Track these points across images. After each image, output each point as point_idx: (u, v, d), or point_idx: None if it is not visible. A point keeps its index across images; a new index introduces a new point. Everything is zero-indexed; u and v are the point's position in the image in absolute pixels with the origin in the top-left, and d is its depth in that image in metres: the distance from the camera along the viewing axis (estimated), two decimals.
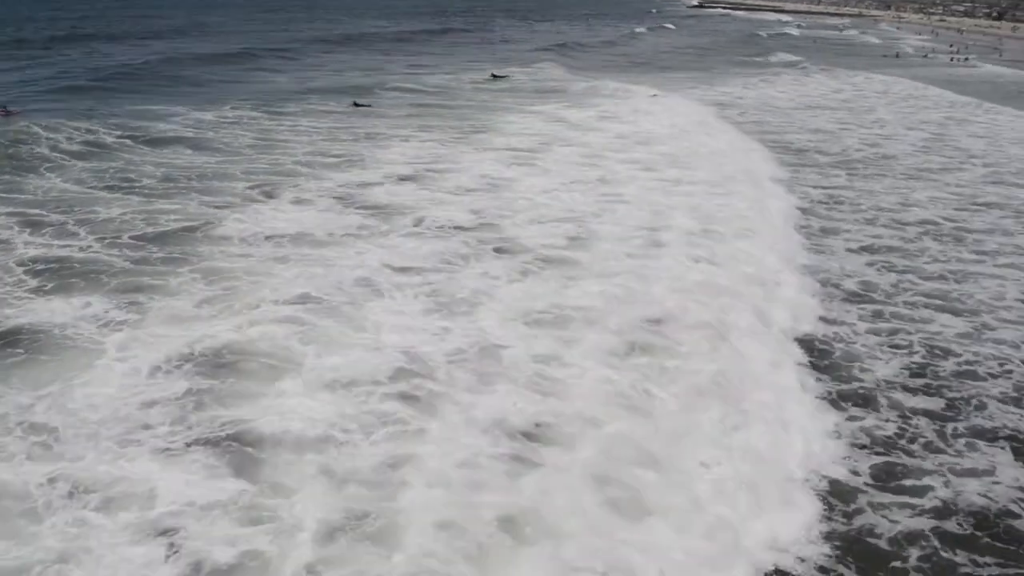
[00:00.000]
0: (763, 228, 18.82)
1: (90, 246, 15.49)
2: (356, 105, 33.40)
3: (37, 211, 17.45)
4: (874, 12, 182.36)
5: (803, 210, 21.08)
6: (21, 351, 11.14)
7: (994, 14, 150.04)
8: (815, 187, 23.67)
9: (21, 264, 14.35)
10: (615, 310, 13.19)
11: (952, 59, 73.37)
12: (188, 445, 9.06)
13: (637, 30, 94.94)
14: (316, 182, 20.78)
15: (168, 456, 8.88)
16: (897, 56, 74.57)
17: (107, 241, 15.77)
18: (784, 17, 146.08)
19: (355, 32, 76.98)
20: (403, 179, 21.52)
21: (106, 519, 7.86)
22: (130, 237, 16.07)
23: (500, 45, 72.48)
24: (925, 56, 75.62)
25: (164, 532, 7.74)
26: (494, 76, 44.49)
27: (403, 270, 14.61)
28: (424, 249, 15.87)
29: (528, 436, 9.53)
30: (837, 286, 15.86)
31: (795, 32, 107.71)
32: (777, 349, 12.87)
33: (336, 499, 8.24)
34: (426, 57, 58.91)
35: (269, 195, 19.42)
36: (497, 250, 16.12)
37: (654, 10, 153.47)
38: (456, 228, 17.33)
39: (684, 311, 13.35)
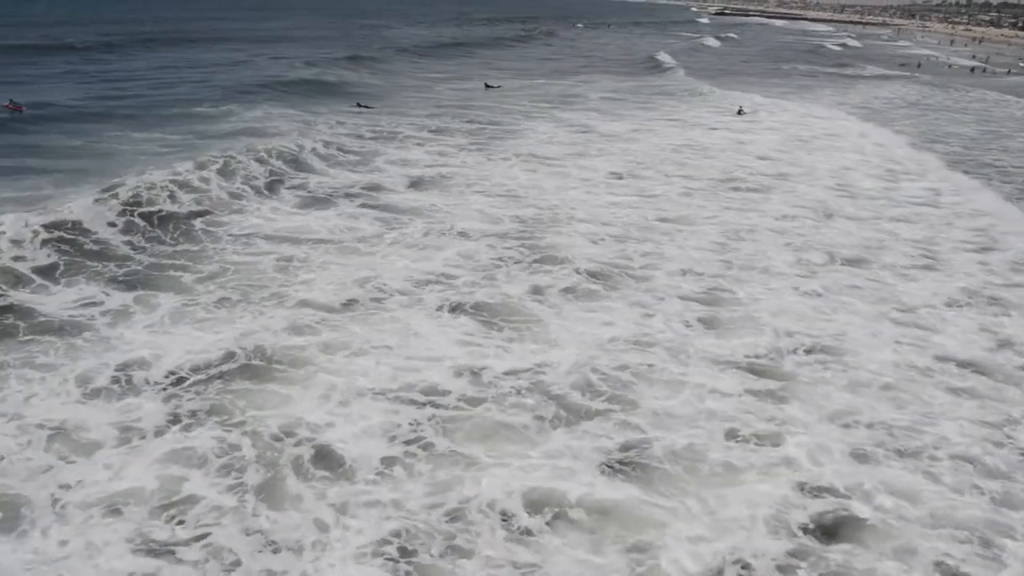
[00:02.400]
0: None
1: None
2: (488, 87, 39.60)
3: None
4: (898, 21, 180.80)
5: None
6: None
7: (1021, 24, 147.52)
8: None
9: None
10: None
11: (1009, 71, 71.88)
12: None
13: (705, 42, 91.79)
14: None
15: None
16: (972, 71, 72.00)
17: None
18: (818, 27, 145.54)
19: (460, 37, 76.32)
20: None
21: None
22: None
23: (572, 51, 71.06)
24: (984, 71, 72.94)
25: None
26: (487, 86, 42.10)
27: None
28: None
29: None
30: None
31: (855, 43, 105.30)
32: None
33: None
34: (532, 62, 58.43)
35: None
36: None
37: (679, 19, 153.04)
38: None
39: None
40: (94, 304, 12.39)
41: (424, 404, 10.11)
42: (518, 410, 10.09)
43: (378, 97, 35.20)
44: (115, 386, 10.13)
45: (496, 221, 17.93)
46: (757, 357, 11.90)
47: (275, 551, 7.60)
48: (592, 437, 9.62)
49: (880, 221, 19.74)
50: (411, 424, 9.69)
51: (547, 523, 8.15)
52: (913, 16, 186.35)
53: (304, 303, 12.89)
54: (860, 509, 8.58)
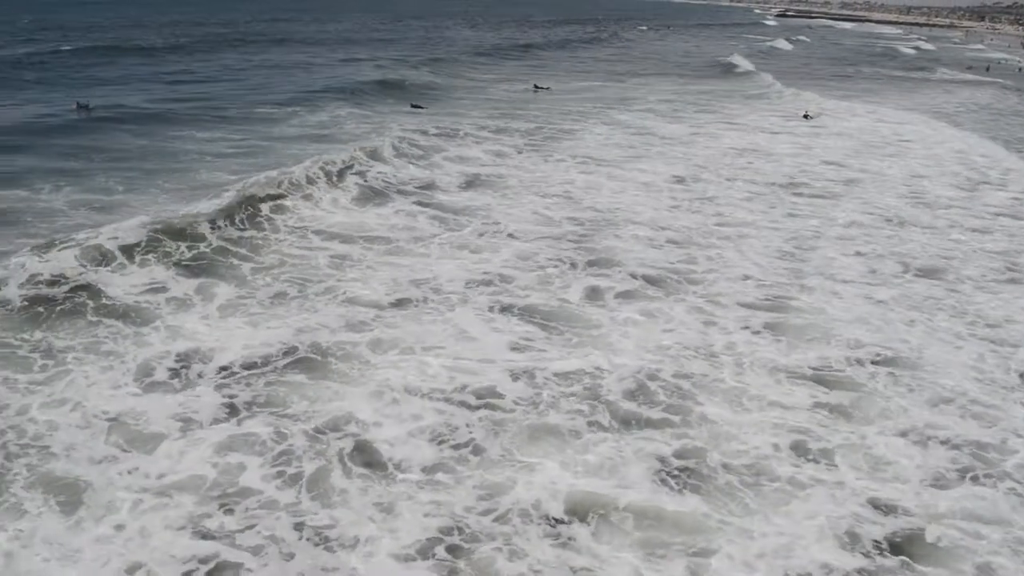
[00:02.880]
0: None
1: None
2: None
3: None
4: (966, 23, 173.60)
5: None
6: None
7: None
8: None
9: None
10: None
11: None
12: None
13: (776, 45, 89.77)
14: None
15: None
16: None
17: None
18: (885, 29, 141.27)
19: (539, 39, 76.92)
20: None
21: None
22: None
23: (639, 54, 70.53)
24: None
25: None
26: (537, 87, 41.23)
27: None
28: None
29: None
30: None
31: (928, 46, 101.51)
32: None
33: None
34: (601, 64, 58.31)
35: None
36: None
37: (744, 21, 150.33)
38: None
39: None
40: (161, 290, 12.67)
41: (476, 406, 9.94)
42: (571, 414, 9.83)
43: (438, 99, 35.38)
44: (174, 378, 10.29)
45: (552, 223, 17.68)
46: (825, 368, 11.31)
47: (325, 546, 7.54)
48: (647, 444, 9.28)
49: (957, 230, 18.73)
50: (461, 425, 9.54)
51: (596, 529, 7.88)
52: (983, 18, 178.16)
53: (357, 300, 12.90)
54: (935, 531, 8.02)
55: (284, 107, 30.24)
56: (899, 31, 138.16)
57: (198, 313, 12.07)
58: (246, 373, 10.46)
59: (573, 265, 15.04)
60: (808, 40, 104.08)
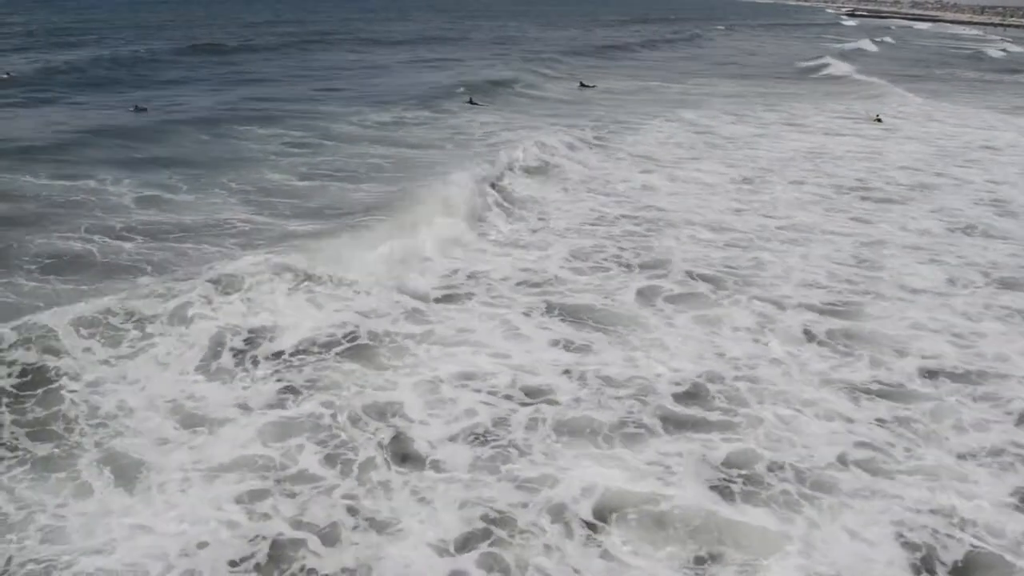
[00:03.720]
0: None
1: None
2: None
3: None
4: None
5: None
6: None
7: None
8: None
9: None
10: None
11: None
12: None
13: (858, 45, 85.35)
14: None
15: None
16: None
17: None
18: (961, 29, 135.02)
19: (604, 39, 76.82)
20: None
21: None
22: None
23: (723, 54, 69.31)
24: None
25: None
26: (583, 85, 40.80)
27: None
28: None
29: None
30: None
31: (1016, 48, 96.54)
32: None
33: None
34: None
35: None
36: None
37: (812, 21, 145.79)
38: None
39: None
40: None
41: (524, 403, 9.81)
42: (619, 414, 9.58)
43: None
44: (236, 357, 10.54)
45: (609, 221, 17.36)
46: (892, 383, 10.69)
47: (375, 530, 7.58)
48: (697, 447, 8.96)
49: None
50: (507, 420, 9.42)
51: (642, 531, 7.64)
52: None
53: (411, 292, 12.94)
54: (1013, 557, 7.46)
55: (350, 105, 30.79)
56: (978, 32, 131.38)
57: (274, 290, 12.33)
58: (305, 355, 10.64)
59: (626, 265, 14.72)
60: (892, 41, 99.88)
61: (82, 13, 77.14)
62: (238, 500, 7.89)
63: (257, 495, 7.97)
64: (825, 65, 57.74)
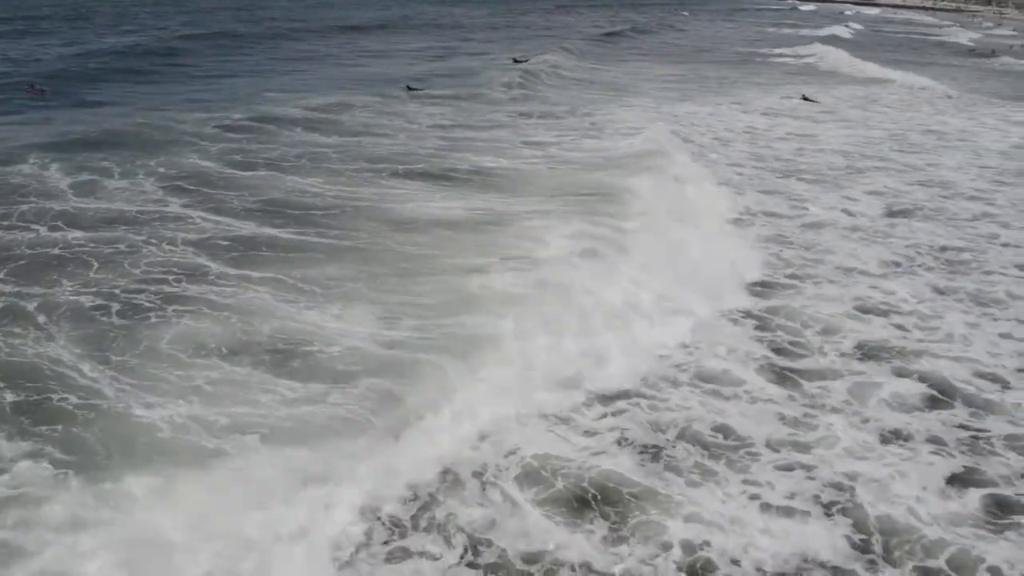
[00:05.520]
0: None
1: None
2: None
3: None
4: (973, 7, 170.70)
5: None
6: None
7: None
8: None
9: None
10: None
11: None
12: None
13: (835, 32, 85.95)
14: None
15: None
16: None
17: None
18: (908, 15, 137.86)
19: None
20: None
21: None
22: None
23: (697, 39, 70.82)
24: None
25: None
26: (515, 60, 41.98)
27: None
28: None
29: None
30: None
31: (973, 34, 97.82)
32: None
33: None
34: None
35: None
36: None
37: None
38: None
39: None
40: None
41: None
42: None
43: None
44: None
45: None
46: (818, 363, 11.43)
47: None
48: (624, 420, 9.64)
49: None
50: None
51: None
52: (989, 2, 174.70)
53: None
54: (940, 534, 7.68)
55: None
56: (932, 19, 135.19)
57: None
58: None
59: None
60: (861, 27, 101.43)
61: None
62: None
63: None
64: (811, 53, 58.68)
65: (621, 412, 9.77)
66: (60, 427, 8.24)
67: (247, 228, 14.69)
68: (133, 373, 9.35)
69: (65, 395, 8.78)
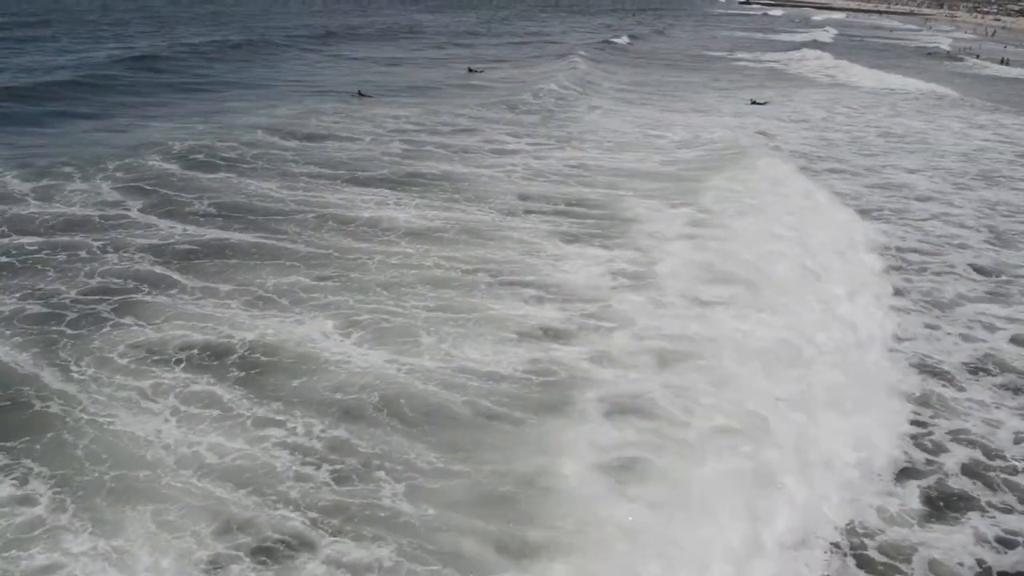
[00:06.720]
0: None
1: None
2: None
3: None
4: (926, 11, 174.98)
5: None
6: None
7: None
8: None
9: None
10: None
11: None
12: None
13: (818, 38, 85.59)
14: None
15: None
16: None
17: None
18: (874, 19, 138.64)
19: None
20: None
21: None
22: None
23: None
24: None
25: None
26: (470, 70, 42.20)
27: None
28: None
29: None
30: None
31: (946, 40, 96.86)
32: None
33: None
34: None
35: None
36: None
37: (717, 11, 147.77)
38: None
39: None
40: None
41: None
42: None
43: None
44: None
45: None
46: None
47: None
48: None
49: None
50: None
51: None
52: (941, 5, 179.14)
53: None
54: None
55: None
56: (897, 23, 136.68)
57: None
58: None
59: None
60: (836, 31, 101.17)
61: None
62: None
63: None
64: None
65: None
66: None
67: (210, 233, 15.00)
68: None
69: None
